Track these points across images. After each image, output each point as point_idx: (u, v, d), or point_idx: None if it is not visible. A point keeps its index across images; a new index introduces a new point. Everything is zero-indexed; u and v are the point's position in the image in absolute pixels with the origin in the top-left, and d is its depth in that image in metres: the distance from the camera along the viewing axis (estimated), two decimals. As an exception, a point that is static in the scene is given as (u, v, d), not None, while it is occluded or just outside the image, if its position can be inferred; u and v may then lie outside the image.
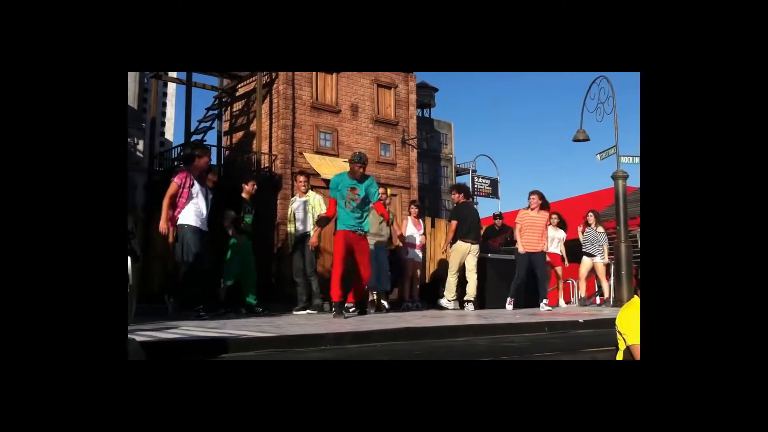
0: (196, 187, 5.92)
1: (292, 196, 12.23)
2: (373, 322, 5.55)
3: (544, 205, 7.95)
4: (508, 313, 7.19)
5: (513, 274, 8.61)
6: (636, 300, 2.23)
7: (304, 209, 7.28)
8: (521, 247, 7.75)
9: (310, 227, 7.13)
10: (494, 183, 17.55)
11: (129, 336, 3.26)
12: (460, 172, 35.84)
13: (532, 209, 7.84)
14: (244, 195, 7.03)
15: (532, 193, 7.92)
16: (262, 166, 12.97)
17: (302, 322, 5.61)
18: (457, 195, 8.15)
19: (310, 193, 7.45)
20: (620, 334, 2.19)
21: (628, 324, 2.13)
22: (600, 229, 9.20)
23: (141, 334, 3.92)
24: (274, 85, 13.12)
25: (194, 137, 13.83)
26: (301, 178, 7.47)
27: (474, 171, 17.42)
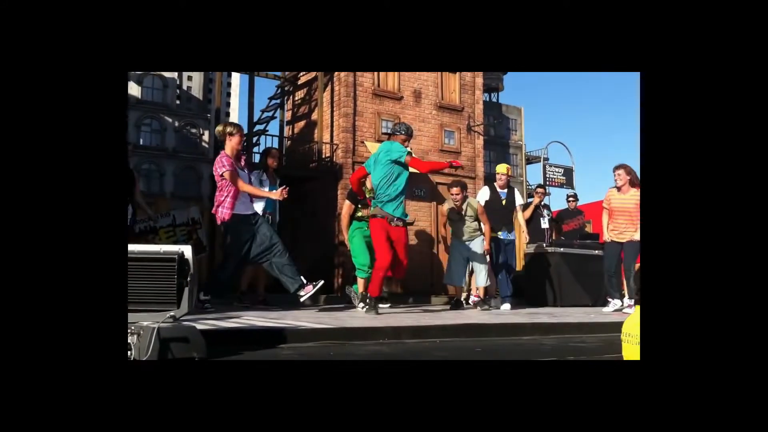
0: (239, 171, 5.61)
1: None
2: (433, 317, 5.42)
3: (634, 182, 6.54)
4: (580, 311, 6.85)
5: (585, 270, 8.16)
6: None
7: None
8: (606, 235, 6.66)
9: None
10: (568, 172, 16.82)
11: (190, 324, 3.29)
12: (530, 160, 34.69)
13: (620, 188, 6.61)
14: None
15: (617, 167, 6.65)
16: (324, 156, 13.02)
17: (361, 314, 5.55)
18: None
19: None
20: None
21: None
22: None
23: (203, 323, 3.96)
24: (336, 73, 13.10)
25: (257, 127, 14.03)
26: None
27: (546, 159, 16.69)
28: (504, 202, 6.86)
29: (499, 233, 6.80)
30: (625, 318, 2.09)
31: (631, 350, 1.98)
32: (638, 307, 1.96)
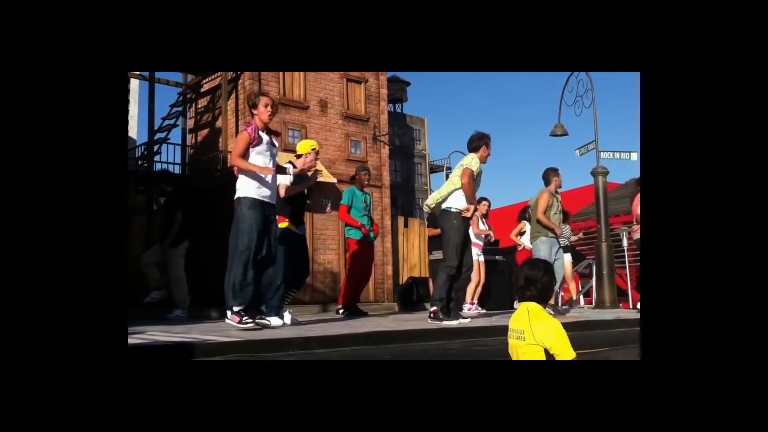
0: (263, 145, 4.86)
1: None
2: (342, 325, 5.46)
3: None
4: (483, 316, 7.16)
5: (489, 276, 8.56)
6: (537, 310, 2.02)
7: None
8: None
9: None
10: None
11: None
12: (434, 169, 35.76)
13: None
14: None
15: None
16: (228, 165, 12.72)
17: (270, 326, 5.48)
18: None
19: None
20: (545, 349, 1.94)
21: (557, 339, 1.92)
22: (567, 227, 8.88)
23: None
24: (240, 81, 12.85)
25: (158, 135, 13.46)
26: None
27: (448, 168, 17.36)
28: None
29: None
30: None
31: (511, 343, 2.11)
32: (522, 304, 2.09)
